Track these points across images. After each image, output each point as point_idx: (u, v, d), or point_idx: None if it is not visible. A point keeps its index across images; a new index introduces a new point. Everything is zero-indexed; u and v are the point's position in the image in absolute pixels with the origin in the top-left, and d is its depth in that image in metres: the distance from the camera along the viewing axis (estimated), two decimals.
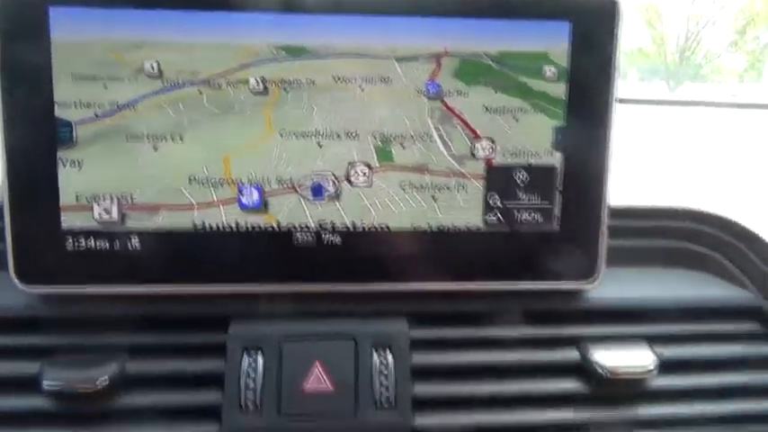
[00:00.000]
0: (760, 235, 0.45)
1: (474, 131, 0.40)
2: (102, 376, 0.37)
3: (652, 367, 0.41)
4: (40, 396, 0.38)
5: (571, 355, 0.42)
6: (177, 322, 0.40)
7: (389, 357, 0.40)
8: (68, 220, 0.38)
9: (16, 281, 0.39)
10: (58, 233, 0.38)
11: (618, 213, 0.45)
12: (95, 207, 0.38)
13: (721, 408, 0.42)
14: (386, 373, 0.39)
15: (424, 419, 0.39)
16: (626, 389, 0.41)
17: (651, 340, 0.42)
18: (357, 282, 0.41)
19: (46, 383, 0.37)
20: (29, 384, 0.38)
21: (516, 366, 0.41)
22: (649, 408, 0.41)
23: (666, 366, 0.42)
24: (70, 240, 0.39)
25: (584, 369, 0.41)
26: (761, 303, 0.44)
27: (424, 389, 0.40)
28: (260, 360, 0.39)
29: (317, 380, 0.39)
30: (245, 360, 0.39)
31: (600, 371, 0.40)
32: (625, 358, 0.41)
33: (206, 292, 0.40)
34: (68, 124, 0.38)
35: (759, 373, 0.43)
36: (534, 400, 0.40)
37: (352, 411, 0.38)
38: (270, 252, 0.40)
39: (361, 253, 0.40)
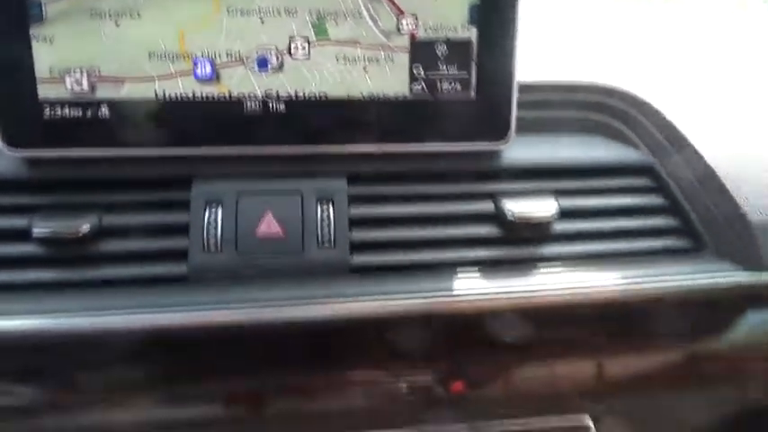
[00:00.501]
0: (650, 102, 0.51)
1: (399, 8, 0.46)
2: (83, 225, 0.44)
3: (554, 212, 0.48)
4: (30, 244, 0.44)
5: (487, 206, 0.49)
6: (146, 182, 0.46)
7: (330, 209, 0.47)
8: (44, 91, 0.44)
9: (2, 146, 0.44)
10: (36, 103, 0.44)
11: (528, 88, 0.51)
12: (67, 79, 0.44)
13: (614, 246, 0.49)
14: (327, 221, 0.46)
15: (359, 258, 0.46)
16: (532, 232, 0.48)
17: (556, 193, 0.50)
18: (301, 144, 0.47)
19: (36, 231, 0.43)
20: (19, 235, 0.44)
21: (440, 216, 0.48)
22: (551, 247, 0.49)
23: (568, 214, 0.49)
24: (47, 109, 0.44)
25: (497, 217, 0.48)
26: (652, 161, 0.51)
27: (360, 235, 0.47)
28: (219, 211, 0.46)
29: (268, 226, 0.46)
30: (207, 212, 0.46)
31: (510, 217, 0.48)
32: (531, 206, 0.48)
33: (170, 155, 0.46)
34: (38, 4, 0.43)
35: (647, 218, 0.50)
36: (456, 243, 0.48)
37: (299, 251, 0.45)
38: (224, 119, 0.46)
39: (303, 119, 0.47)
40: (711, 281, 0.48)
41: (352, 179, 0.48)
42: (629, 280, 0.47)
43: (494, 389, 0.49)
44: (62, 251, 0.44)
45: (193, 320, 0.43)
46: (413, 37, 0.46)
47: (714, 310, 0.50)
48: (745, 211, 0.49)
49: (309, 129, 0.47)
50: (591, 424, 0.51)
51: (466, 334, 0.47)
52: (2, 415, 0.45)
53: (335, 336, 0.46)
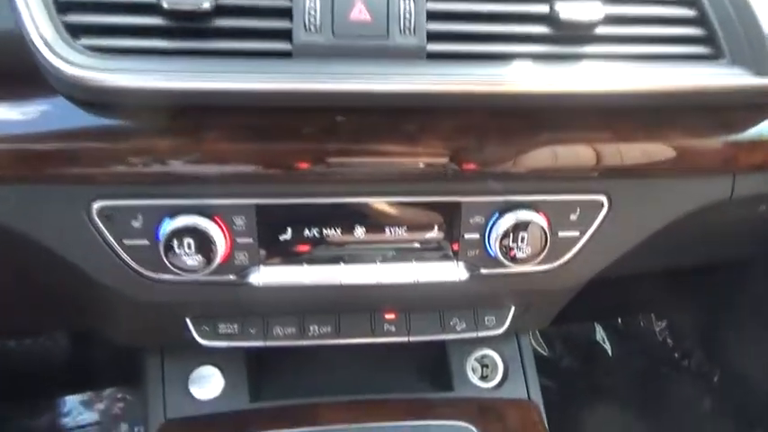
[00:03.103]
0: None
1: None
2: (205, 2, 0.51)
3: (600, 17, 0.56)
4: (159, 16, 0.52)
5: (543, 7, 0.56)
6: None
7: (411, 2, 0.54)
8: None
9: None
10: None
11: None
12: None
13: (648, 49, 0.58)
14: (409, 12, 0.54)
15: (435, 46, 0.55)
16: (579, 32, 0.57)
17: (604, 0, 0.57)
18: None
19: (165, 4, 0.51)
20: (149, 8, 0.52)
21: (502, 14, 0.56)
22: (594, 47, 0.57)
23: (612, 19, 0.57)
24: None
25: (551, 18, 0.56)
26: None
27: (436, 26, 0.55)
28: None
29: (359, 12, 0.53)
30: None
31: (561, 17, 0.55)
32: (580, 9, 0.56)
33: None
34: None
35: (679, 27, 0.59)
36: (513, 38, 0.56)
37: (384, 36, 0.54)
38: None
39: None
40: (724, 82, 0.57)
41: None
42: (655, 77, 0.57)
43: (528, 164, 0.60)
44: (186, 24, 0.52)
45: (297, 87, 0.52)
46: None
47: (720, 110, 0.60)
48: (763, 26, 0.57)
49: None
50: (606, 201, 0.64)
51: (515, 114, 0.57)
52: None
53: (409, 108, 0.55)
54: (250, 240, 0.61)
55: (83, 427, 1.35)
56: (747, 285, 1.25)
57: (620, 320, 1.61)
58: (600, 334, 1.61)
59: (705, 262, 1.01)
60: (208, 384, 0.80)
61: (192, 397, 0.80)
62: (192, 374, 0.80)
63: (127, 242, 0.60)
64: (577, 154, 0.60)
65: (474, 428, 0.76)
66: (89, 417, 1.36)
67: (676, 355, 1.55)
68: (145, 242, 0.60)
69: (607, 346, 1.60)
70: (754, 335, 1.31)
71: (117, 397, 1.38)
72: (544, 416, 0.83)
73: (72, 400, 1.38)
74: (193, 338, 0.71)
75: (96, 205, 0.58)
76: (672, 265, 1.02)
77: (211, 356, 0.81)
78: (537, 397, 0.85)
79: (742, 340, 1.36)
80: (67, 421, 1.36)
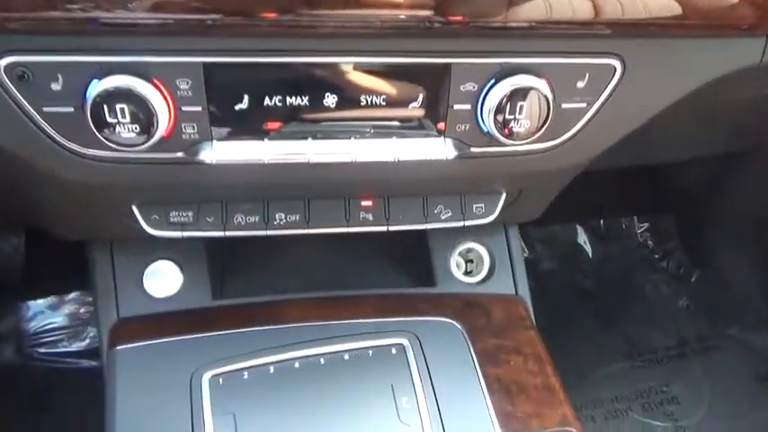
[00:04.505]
0: None
1: None
2: None
3: None
4: None
5: None
6: None
7: None
8: None
9: None
10: None
11: None
12: None
13: None
14: None
15: None
16: None
17: None
18: None
19: None
20: None
21: None
22: None
23: None
24: None
25: None
26: None
27: None
28: None
29: None
30: None
31: None
32: None
33: None
34: None
35: None
36: None
37: None
38: None
39: None
40: None
41: None
42: None
43: (527, 14, 0.49)
44: None
45: None
46: None
47: None
48: None
49: None
50: (619, 66, 0.54)
51: None
52: None
53: None
54: (198, 109, 0.51)
55: (48, 331, 1.30)
56: (735, 183, 1.20)
57: (602, 223, 1.58)
58: (582, 236, 1.59)
59: (705, 153, 0.95)
60: (165, 280, 0.72)
61: (147, 294, 0.72)
62: (147, 270, 0.72)
63: (47, 109, 0.49)
64: (585, 3, 0.49)
65: (458, 325, 0.71)
66: (56, 321, 1.31)
67: (656, 256, 1.54)
68: (69, 109, 0.49)
69: (588, 249, 1.58)
70: (736, 234, 1.29)
71: (85, 300, 1.33)
72: (531, 311, 0.78)
73: (37, 305, 1.32)
74: (142, 228, 0.63)
75: (4, 61, 0.47)
76: (670, 157, 0.95)
77: (168, 250, 0.73)
78: (525, 292, 0.79)
79: (723, 240, 1.34)
80: (33, 325, 1.30)
